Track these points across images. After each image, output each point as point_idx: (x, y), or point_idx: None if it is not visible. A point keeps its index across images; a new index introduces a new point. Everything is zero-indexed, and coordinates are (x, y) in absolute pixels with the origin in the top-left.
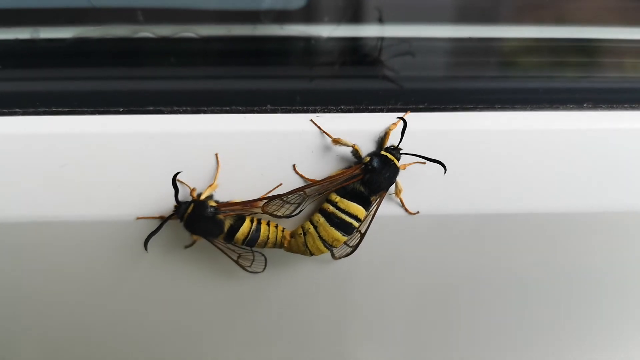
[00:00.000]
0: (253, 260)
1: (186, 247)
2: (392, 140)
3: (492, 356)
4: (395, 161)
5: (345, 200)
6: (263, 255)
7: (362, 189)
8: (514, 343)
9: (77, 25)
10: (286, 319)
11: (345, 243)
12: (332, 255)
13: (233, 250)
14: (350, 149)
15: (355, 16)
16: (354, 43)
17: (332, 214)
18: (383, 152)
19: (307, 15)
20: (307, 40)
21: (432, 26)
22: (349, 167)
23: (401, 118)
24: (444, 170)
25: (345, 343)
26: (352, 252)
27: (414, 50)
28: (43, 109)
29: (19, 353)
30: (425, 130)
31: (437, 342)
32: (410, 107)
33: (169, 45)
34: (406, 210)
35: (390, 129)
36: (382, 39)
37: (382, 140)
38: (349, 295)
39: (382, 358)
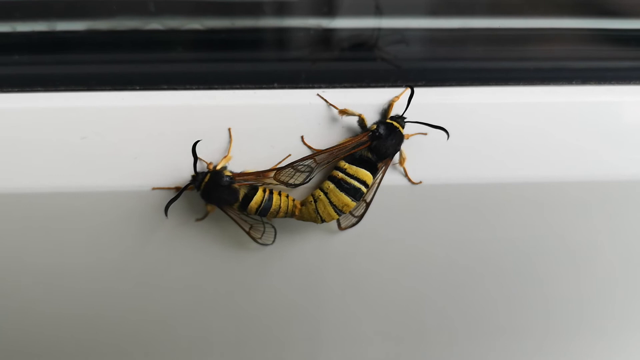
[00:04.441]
0: (264, 232)
1: (197, 220)
2: (396, 112)
3: (493, 323)
4: (401, 128)
5: (353, 167)
6: (273, 227)
7: (369, 155)
8: (516, 311)
9: (93, 18)
10: (293, 289)
11: (351, 213)
12: (339, 226)
13: (245, 221)
14: (357, 118)
15: (353, 8)
16: (353, 32)
17: (342, 179)
18: (389, 120)
19: (308, 7)
20: (308, 30)
21: (429, 19)
22: (356, 135)
23: (409, 86)
24: (447, 136)
25: (350, 312)
26: (357, 222)
27: (411, 38)
28: (63, 88)
29: (36, 319)
30: (425, 104)
31: (438, 310)
32: (410, 84)
33: (177, 36)
34: (409, 180)
35: (393, 101)
36: (379, 29)
37: (386, 112)
38: (353, 264)
39: (386, 325)
